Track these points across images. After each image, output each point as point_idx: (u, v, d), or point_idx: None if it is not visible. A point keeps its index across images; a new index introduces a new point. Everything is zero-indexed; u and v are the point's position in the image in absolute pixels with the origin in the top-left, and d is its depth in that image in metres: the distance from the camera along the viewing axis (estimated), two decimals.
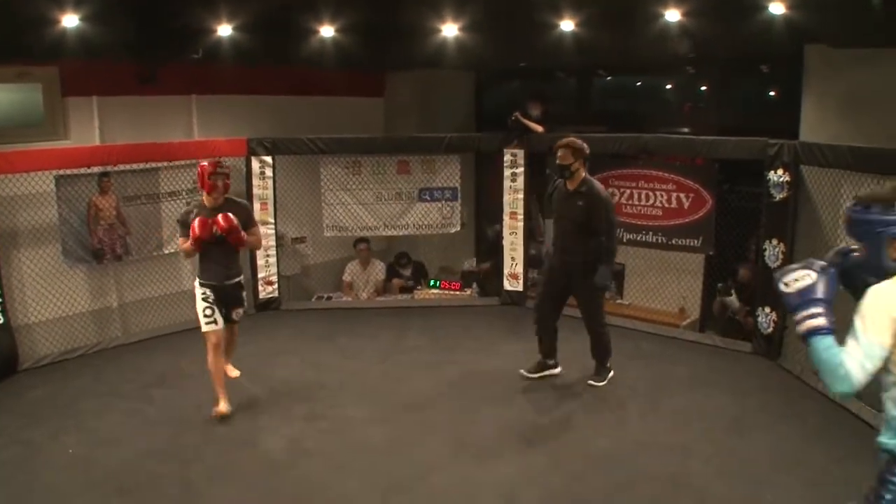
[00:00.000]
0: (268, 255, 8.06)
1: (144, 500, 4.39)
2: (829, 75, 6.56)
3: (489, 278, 8.90)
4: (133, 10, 6.29)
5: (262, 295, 8.13)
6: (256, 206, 7.87)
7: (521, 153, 8.09)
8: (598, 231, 5.63)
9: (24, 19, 5.85)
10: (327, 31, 7.19)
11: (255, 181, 7.94)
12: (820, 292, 2.49)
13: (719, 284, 7.35)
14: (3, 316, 6.25)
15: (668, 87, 9.42)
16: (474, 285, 8.92)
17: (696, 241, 7.35)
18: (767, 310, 6.55)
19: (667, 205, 7.50)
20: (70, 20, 5.98)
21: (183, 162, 7.46)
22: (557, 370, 6.17)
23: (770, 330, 6.53)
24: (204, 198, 5.40)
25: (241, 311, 5.65)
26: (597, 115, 9.33)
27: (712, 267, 7.60)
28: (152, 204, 7.37)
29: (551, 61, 8.67)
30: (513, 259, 8.29)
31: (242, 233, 5.35)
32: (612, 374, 6.04)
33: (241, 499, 4.42)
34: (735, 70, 8.29)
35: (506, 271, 8.36)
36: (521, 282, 8.30)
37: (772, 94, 8.41)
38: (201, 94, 8.04)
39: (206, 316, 5.41)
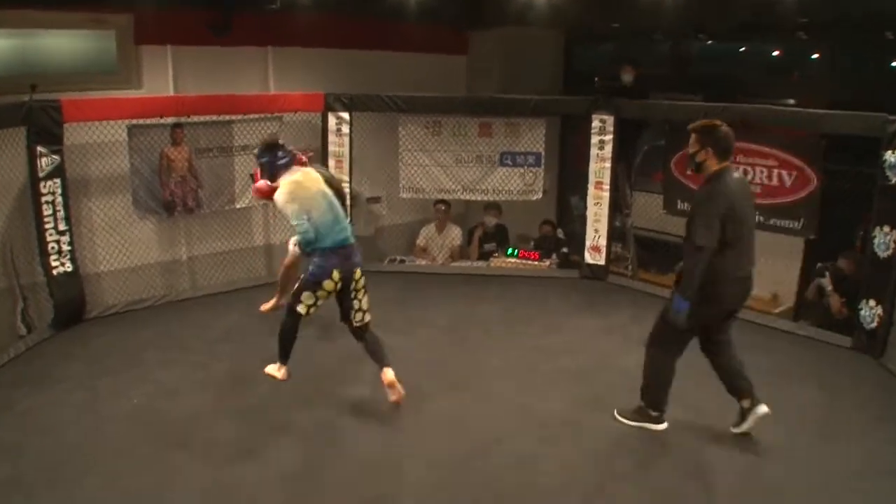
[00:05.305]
0: None
1: (203, 454, 4.36)
2: None
3: (548, 240, 8.67)
4: None
5: None
6: (331, 163, 7.67)
7: (610, 119, 7.59)
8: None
9: None
10: None
11: (332, 137, 7.72)
12: None
13: (818, 264, 6.70)
14: (73, 264, 6.21)
15: (775, 53, 8.76)
16: (553, 256, 8.53)
17: (796, 223, 6.75)
18: (872, 303, 5.96)
19: (766, 182, 6.91)
20: None
21: (257, 115, 7.28)
22: (763, 410, 4.48)
23: (874, 325, 5.95)
24: None
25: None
26: (694, 82, 8.76)
27: (812, 253, 6.98)
28: (225, 157, 7.21)
29: (647, 22, 8.12)
30: (596, 231, 7.86)
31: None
32: None
33: (300, 458, 4.34)
34: (853, 37, 7.56)
35: (588, 244, 7.94)
36: (603, 255, 7.88)
37: (895, 65, 7.67)
38: (278, 45, 7.81)
39: None
